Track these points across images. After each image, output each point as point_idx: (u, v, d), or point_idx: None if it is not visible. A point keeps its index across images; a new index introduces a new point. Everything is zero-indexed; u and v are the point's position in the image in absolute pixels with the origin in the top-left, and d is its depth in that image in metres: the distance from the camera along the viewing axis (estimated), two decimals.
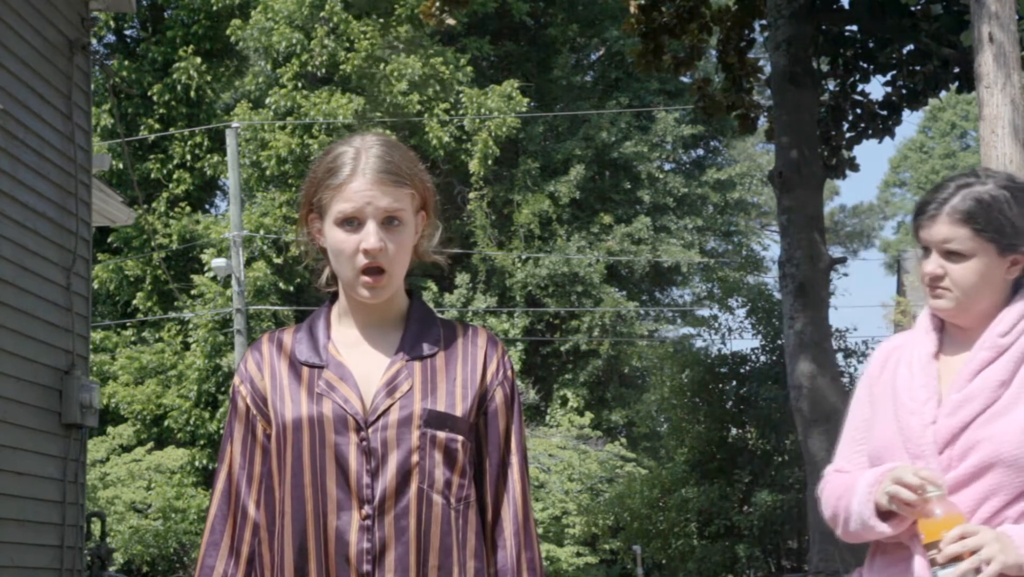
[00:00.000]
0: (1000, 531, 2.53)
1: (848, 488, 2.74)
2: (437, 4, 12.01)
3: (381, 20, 25.74)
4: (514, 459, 2.49)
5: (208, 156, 25.25)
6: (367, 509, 2.35)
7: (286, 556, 2.38)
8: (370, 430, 2.38)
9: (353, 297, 2.48)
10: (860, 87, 13.14)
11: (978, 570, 2.49)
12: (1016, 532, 2.53)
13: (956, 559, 2.50)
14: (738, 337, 21.06)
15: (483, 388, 2.48)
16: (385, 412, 2.40)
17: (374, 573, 2.34)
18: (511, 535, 2.46)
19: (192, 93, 24.80)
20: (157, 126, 24.85)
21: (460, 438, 2.42)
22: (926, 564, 2.58)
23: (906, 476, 2.57)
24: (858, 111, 13.17)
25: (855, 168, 13.35)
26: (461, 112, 25.92)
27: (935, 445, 2.64)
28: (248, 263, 23.33)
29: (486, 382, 2.48)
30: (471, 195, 26.45)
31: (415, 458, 2.38)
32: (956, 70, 12.48)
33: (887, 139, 13.83)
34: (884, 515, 2.66)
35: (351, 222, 2.41)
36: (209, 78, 25.10)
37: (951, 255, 2.69)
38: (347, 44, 25.29)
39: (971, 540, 2.50)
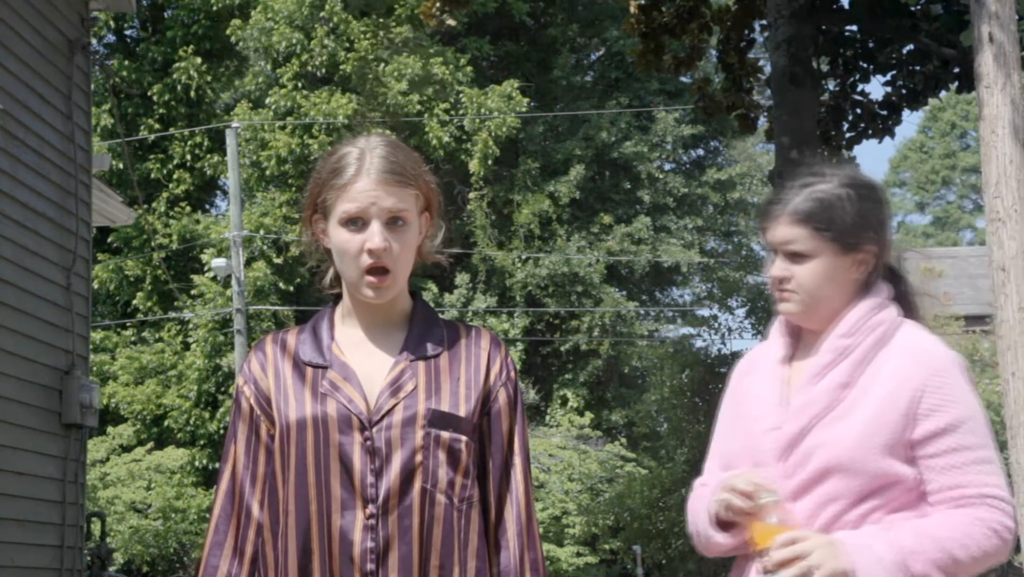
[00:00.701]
0: (832, 537, 2.47)
1: (702, 500, 2.71)
2: (437, 5, 12.00)
3: (381, 20, 25.73)
4: (517, 460, 2.50)
5: (208, 156, 25.24)
6: (371, 508, 2.36)
7: (290, 555, 2.39)
8: (374, 430, 2.39)
9: (357, 297, 2.49)
10: (860, 87, 13.12)
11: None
12: (850, 539, 2.47)
13: (786, 565, 2.43)
14: (738, 337, 21.11)
15: (487, 389, 2.48)
16: (389, 412, 2.40)
17: (378, 572, 2.35)
18: (514, 536, 2.46)
19: (192, 93, 24.79)
20: (157, 126, 24.85)
21: (464, 438, 2.42)
22: (758, 572, 2.52)
23: (738, 483, 2.53)
24: (858, 111, 13.15)
25: None
26: (461, 112, 25.91)
27: (776, 451, 2.59)
28: (248, 263, 23.32)
29: (489, 383, 2.49)
30: (471, 195, 26.44)
31: (419, 458, 2.38)
32: (956, 70, 12.47)
33: (887, 139, 13.83)
34: (728, 525, 2.60)
35: (355, 222, 2.42)
36: (209, 78, 25.09)
37: (794, 256, 2.65)
38: (347, 44, 25.28)
39: (799, 546, 2.44)
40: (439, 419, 2.41)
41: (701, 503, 2.69)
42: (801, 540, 2.45)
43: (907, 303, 2.73)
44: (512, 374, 2.53)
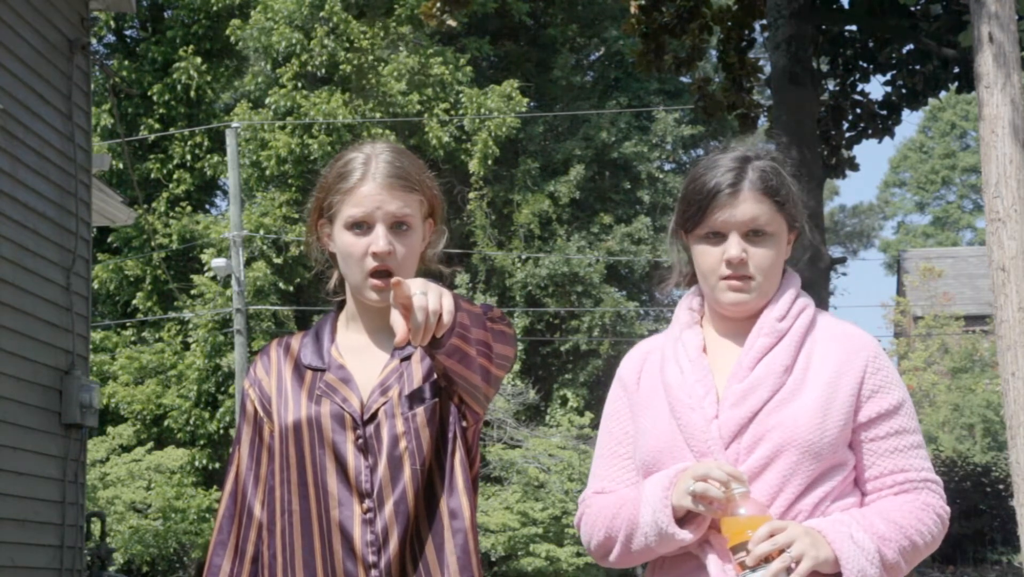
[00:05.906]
0: (809, 526, 2.36)
1: (627, 502, 2.51)
2: (438, 5, 12.00)
3: (379, 21, 25.73)
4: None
5: (208, 156, 25.24)
6: (368, 503, 2.42)
7: (296, 553, 2.45)
8: (366, 428, 2.45)
9: (360, 301, 2.53)
10: (860, 87, 13.13)
11: (789, 569, 2.30)
12: (825, 526, 2.37)
13: (766, 560, 2.31)
14: None
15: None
16: (378, 411, 2.46)
17: (379, 562, 2.40)
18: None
19: (192, 93, 24.79)
20: (157, 126, 24.84)
21: (435, 401, 2.45)
22: (722, 568, 2.39)
23: (713, 471, 2.36)
24: (858, 111, 13.16)
25: (855, 168, 13.34)
26: (461, 112, 25.92)
27: (721, 440, 2.44)
28: (248, 263, 23.31)
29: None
30: (471, 195, 26.44)
31: (403, 444, 2.43)
32: (956, 70, 12.48)
33: (887, 139, 13.82)
34: (681, 521, 2.44)
35: (360, 226, 2.46)
36: (209, 78, 25.08)
37: (754, 235, 2.48)
38: (347, 44, 25.28)
39: (780, 537, 2.31)
40: (413, 399, 2.44)
41: (633, 504, 2.48)
42: (780, 531, 2.32)
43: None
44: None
